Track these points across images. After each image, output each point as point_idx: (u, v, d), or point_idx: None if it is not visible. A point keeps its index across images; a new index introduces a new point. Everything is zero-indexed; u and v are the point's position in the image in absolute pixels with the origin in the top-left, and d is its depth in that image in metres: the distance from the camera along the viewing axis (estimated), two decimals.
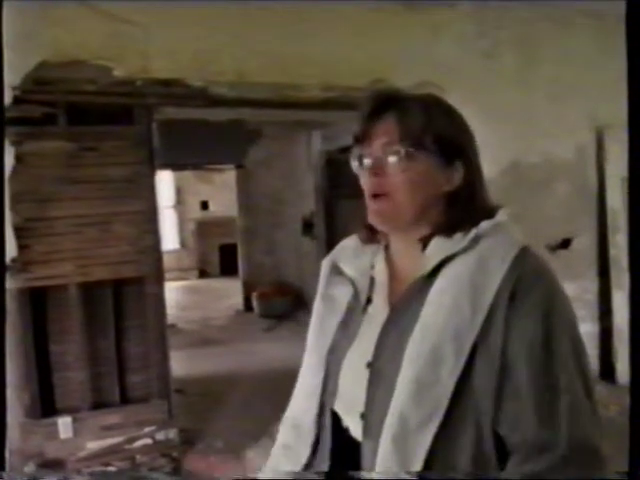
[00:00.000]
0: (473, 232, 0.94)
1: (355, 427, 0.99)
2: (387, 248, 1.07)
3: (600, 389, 4.16)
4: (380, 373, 0.95)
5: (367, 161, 1.00)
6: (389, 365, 0.93)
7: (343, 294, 1.07)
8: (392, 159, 0.96)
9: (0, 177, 2.27)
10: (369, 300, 1.04)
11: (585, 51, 4.13)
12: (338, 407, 1.03)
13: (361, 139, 1.01)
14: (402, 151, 0.96)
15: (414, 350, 0.91)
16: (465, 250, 0.94)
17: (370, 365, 0.97)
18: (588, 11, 3.97)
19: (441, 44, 3.74)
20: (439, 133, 0.97)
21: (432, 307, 0.92)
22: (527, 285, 0.89)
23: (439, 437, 0.87)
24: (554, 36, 4.07)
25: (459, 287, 0.91)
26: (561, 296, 0.92)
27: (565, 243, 4.23)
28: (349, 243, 1.13)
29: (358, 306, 1.05)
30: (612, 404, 3.91)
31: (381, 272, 1.05)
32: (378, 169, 0.98)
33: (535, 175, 4.12)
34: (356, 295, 1.06)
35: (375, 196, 0.99)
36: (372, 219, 1.01)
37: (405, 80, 3.43)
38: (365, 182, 1.01)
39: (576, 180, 4.28)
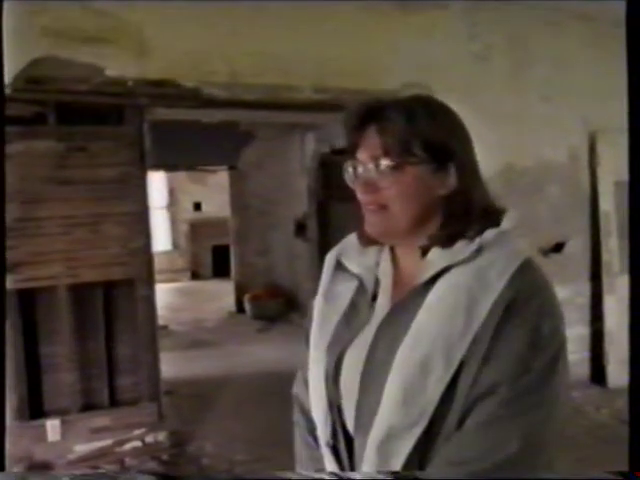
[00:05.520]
0: (477, 242, 0.93)
1: (351, 421, 1.00)
2: (392, 248, 1.06)
3: (591, 393, 4.17)
4: (371, 375, 0.96)
5: (359, 176, 0.99)
6: (380, 368, 0.94)
7: (346, 290, 1.07)
8: (380, 173, 0.95)
9: (0, 177, 2.25)
10: (375, 297, 1.04)
11: (577, 54, 4.14)
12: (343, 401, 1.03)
13: (350, 153, 1.00)
14: (389, 164, 0.94)
15: (404, 357, 0.91)
16: (467, 260, 0.92)
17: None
18: (581, 14, 3.99)
19: (433, 45, 3.74)
20: (425, 138, 0.94)
21: (426, 315, 0.92)
22: (522, 301, 0.89)
23: (421, 443, 0.89)
24: (546, 39, 4.08)
25: (455, 298, 0.90)
26: (551, 317, 0.91)
27: (558, 247, 4.23)
28: (354, 239, 1.11)
29: (363, 302, 1.04)
30: (603, 407, 3.92)
31: (385, 272, 1.05)
32: (369, 184, 0.97)
33: (528, 178, 4.12)
34: (362, 291, 1.05)
35: (370, 209, 0.98)
36: (369, 232, 1.01)
37: (397, 81, 3.45)
38: (360, 197, 1.00)
39: (569, 184, 4.29)
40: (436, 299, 0.92)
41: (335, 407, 1.02)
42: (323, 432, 1.04)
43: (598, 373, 4.33)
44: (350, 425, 1.00)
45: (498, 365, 0.87)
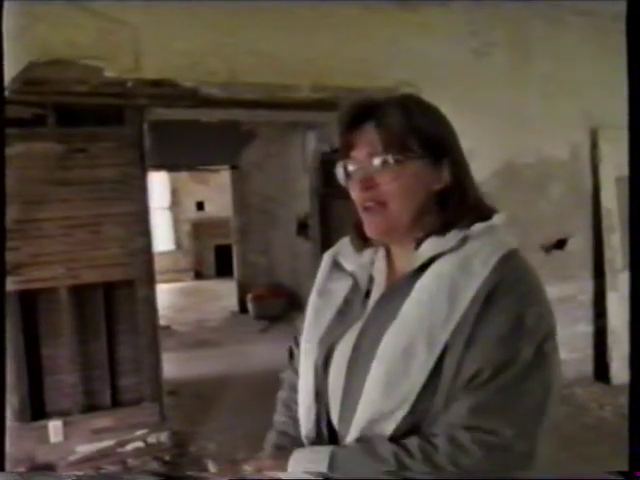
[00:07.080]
0: (463, 233, 0.95)
1: (335, 411, 1.01)
2: (387, 248, 1.07)
3: (594, 389, 4.16)
4: (357, 364, 0.97)
5: (354, 174, 0.99)
6: (366, 357, 0.95)
7: (341, 288, 1.08)
8: (379, 169, 0.95)
9: (1, 179, 2.25)
10: (368, 294, 1.05)
11: (578, 50, 4.12)
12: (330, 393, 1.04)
13: (344, 152, 1.00)
14: (388, 159, 0.94)
15: (388, 343, 0.92)
16: (452, 250, 0.94)
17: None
18: (580, 10, 3.96)
19: (433, 43, 3.73)
20: (422, 134, 0.96)
21: (412, 303, 0.93)
22: (504, 289, 0.89)
23: (405, 429, 0.90)
24: (547, 35, 4.07)
25: (439, 285, 0.92)
26: (536, 305, 0.91)
27: (560, 244, 4.22)
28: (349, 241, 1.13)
29: (357, 299, 1.05)
30: (606, 404, 3.90)
31: (380, 270, 1.06)
32: (367, 181, 0.97)
33: (529, 175, 4.11)
34: (355, 288, 1.06)
35: (369, 208, 0.98)
36: (369, 232, 1.01)
37: (397, 79, 3.44)
38: (356, 195, 1.00)
39: (570, 180, 4.27)
40: (421, 288, 0.93)
41: (322, 400, 1.03)
42: (305, 425, 1.05)
43: (601, 370, 4.31)
44: (335, 416, 1.01)
45: (481, 351, 0.87)
